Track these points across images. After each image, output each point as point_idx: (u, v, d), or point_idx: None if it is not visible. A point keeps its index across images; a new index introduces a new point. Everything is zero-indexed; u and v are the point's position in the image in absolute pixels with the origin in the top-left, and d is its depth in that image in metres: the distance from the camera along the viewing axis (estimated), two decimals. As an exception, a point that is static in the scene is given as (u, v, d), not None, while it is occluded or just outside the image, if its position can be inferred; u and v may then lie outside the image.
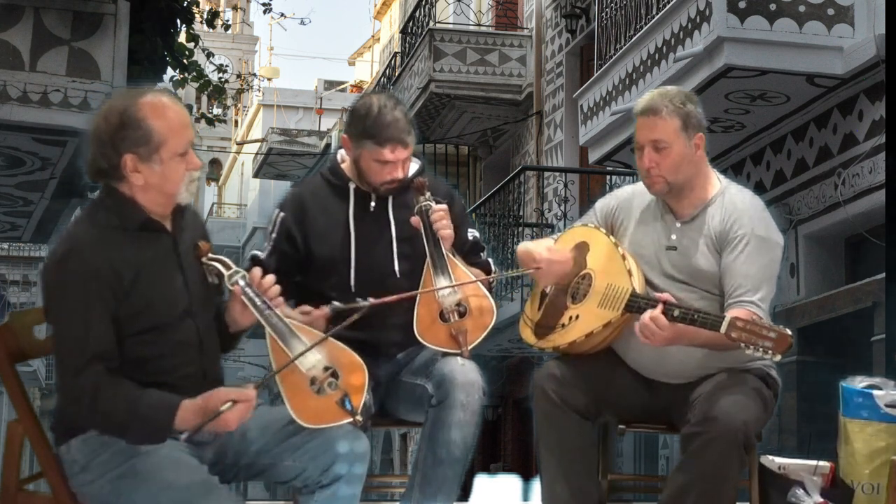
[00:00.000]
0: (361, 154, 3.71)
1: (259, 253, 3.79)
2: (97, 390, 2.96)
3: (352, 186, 3.80)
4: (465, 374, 3.57)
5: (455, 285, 3.63)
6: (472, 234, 3.91)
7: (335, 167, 3.86)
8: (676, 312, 3.45)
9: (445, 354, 3.62)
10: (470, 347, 3.60)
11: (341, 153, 3.87)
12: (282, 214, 3.80)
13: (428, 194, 3.70)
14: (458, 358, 3.60)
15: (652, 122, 3.66)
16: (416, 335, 3.62)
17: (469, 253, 3.85)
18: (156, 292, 3.08)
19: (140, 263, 3.07)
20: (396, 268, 3.75)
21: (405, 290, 3.66)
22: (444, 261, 3.65)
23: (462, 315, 3.62)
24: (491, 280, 3.83)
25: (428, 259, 3.66)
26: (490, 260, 3.94)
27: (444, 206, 3.71)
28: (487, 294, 3.69)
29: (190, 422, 2.96)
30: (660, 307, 3.45)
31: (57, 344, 3.06)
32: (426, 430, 3.59)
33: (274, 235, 3.79)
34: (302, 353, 3.17)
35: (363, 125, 3.68)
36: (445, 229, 3.67)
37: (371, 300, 3.50)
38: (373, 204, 3.78)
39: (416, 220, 3.69)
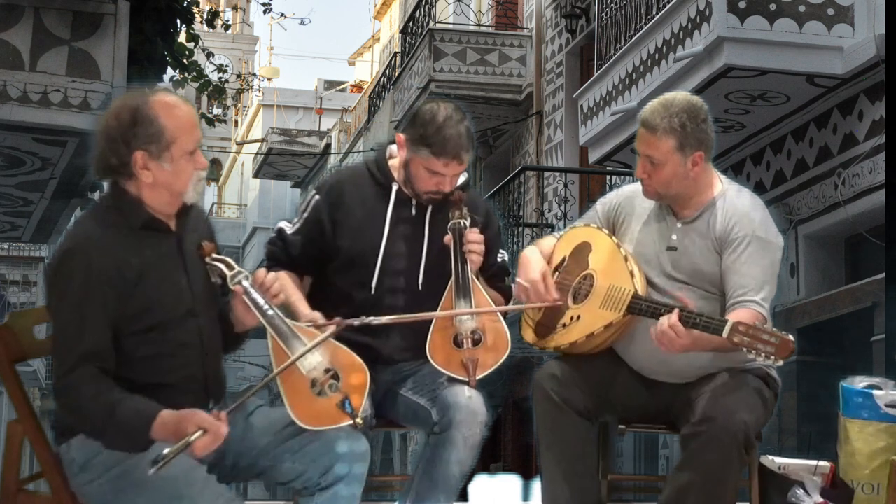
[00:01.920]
0: (413, 158, 3.64)
1: (286, 226, 3.75)
2: (81, 390, 2.96)
3: (395, 187, 3.73)
4: (471, 405, 3.51)
5: (472, 312, 3.56)
6: (501, 256, 3.85)
7: (382, 162, 3.77)
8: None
9: (452, 379, 3.57)
10: (478, 378, 3.54)
11: (391, 149, 3.79)
12: (317, 197, 3.75)
13: (465, 210, 3.65)
14: (465, 388, 3.54)
15: (648, 137, 3.64)
16: (427, 355, 3.57)
17: (493, 276, 3.80)
18: (159, 291, 3.09)
19: (144, 263, 3.07)
20: (420, 279, 3.69)
21: (422, 303, 3.62)
22: (468, 284, 3.59)
23: (476, 343, 3.57)
24: (507, 312, 3.77)
25: (452, 280, 3.61)
26: (514, 286, 3.84)
27: (479, 235, 3.65)
28: (504, 325, 3.64)
29: (164, 435, 2.92)
30: (676, 313, 3.44)
31: (53, 341, 3.06)
32: (426, 453, 3.56)
33: (305, 215, 3.73)
34: (301, 355, 3.17)
35: (423, 131, 3.61)
36: (475, 254, 3.61)
37: (387, 318, 3.51)
38: (413, 210, 3.72)
39: (448, 237, 3.63)
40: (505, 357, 3.60)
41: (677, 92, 3.79)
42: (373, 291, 3.66)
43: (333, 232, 3.70)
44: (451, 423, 3.50)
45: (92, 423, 2.98)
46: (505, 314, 3.72)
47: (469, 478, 3.66)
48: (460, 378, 3.54)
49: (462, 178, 3.73)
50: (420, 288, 3.68)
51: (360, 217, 3.70)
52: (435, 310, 3.60)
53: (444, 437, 3.51)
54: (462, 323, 3.57)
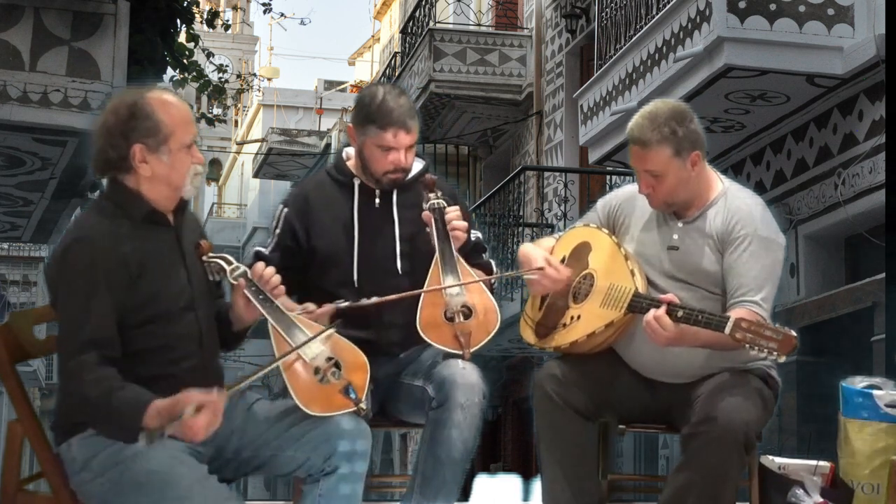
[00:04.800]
0: (365, 141, 3.73)
1: (262, 249, 3.81)
2: (83, 377, 2.98)
3: (356, 182, 3.80)
4: (466, 376, 3.56)
5: (461, 283, 3.62)
6: (475, 234, 3.91)
7: (340, 163, 3.87)
8: (680, 313, 3.45)
9: (447, 355, 3.62)
10: (472, 350, 3.59)
11: (347, 151, 3.88)
12: (285, 210, 3.82)
13: (438, 192, 3.71)
14: (459, 360, 3.58)
15: (642, 153, 3.62)
16: (419, 331, 3.61)
17: (471, 254, 3.85)
18: (161, 283, 3.13)
19: (145, 254, 3.11)
20: (398, 265, 3.75)
21: (406, 288, 3.67)
22: (453, 260, 3.65)
23: (467, 317, 3.61)
24: (493, 281, 3.82)
25: (437, 257, 3.66)
26: (492, 261, 3.94)
27: (457, 208, 3.72)
28: (492, 298, 3.68)
29: (159, 420, 2.93)
30: (664, 307, 3.45)
31: (59, 329, 3.08)
32: (426, 432, 3.59)
33: (278, 231, 3.81)
34: (304, 343, 3.22)
35: (367, 111, 3.72)
36: (459, 231, 3.67)
37: (375, 299, 3.55)
38: (377, 200, 3.79)
39: (427, 215, 3.69)
40: (496, 329, 3.63)
41: (656, 101, 3.73)
42: (356, 286, 3.72)
43: (308, 238, 3.77)
44: (448, 396, 3.54)
45: (89, 410, 3.00)
46: (492, 289, 3.76)
47: (470, 477, 3.67)
48: (454, 352, 3.58)
49: (420, 165, 3.83)
50: (400, 272, 3.74)
51: (328, 218, 3.78)
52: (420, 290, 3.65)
53: (442, 411, 3.54)
54: (452, 298, 3.61)
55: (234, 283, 3.26)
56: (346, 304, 3.56)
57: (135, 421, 2.93)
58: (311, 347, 3.24)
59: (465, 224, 3.70)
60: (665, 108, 3.66)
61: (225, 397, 2.99)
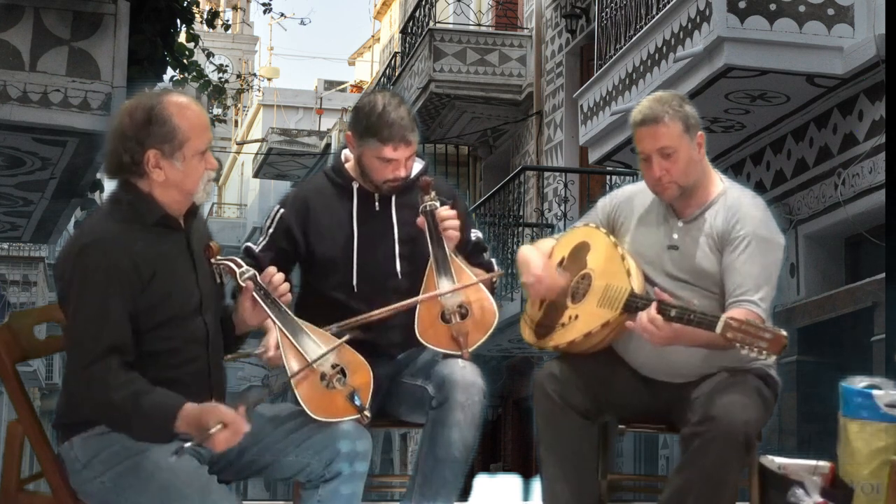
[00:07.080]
0: (364, 152, 3.73)
1: (253, 246, 3.80)
2: (108, 381, 2.97)
3: (355, 186, 3.80)
4: (465, 375, 3.57)
5: (457, 288, 3.62)
6: (475, 234, 3.92)
7: (338, 167, 3.86)
8: (673, 312, 3.45)
9: (446, 356, 3.62)
10: (471, 349, 3.59)
11: (345, 153, 3.87)
12: (282, 211, 3.81)
13: (433, 194, 3.70)
14: (459, 360, 3.59)
15: (655, 130, 3.64)
16: (417, 335, 3.62)
17: (472, 253, 3.85)
18: (172, 287, 3.13)
19: (157, 258, 3.11)
20: (398, 268, 3.75)
21: (406, 291, 3.67)
22: (447, 262, 3.65)
23: (464, 317, 3.62)
24: (493, 279, 3.82)
25: (431, 260, 3.66)
26: (493, 260, 3.94)
27: (452, 210, 3.71)
28: (490, 296, 3.69)
29: (186, 428, 2.96)
30: (654, 306, 3.45)
31: (73, 332, 3.06)
32: (426, 431, 3.59)
33: (271, 231, 3.80)
34: (320, 358, 3.24)
35: (366, 123, 3.70)
36: (451, 230, 3.67)
37: (379, 311, 3.56)
38: (376, 204, 3.79)
39: (421, 220, 3.69)
40: (493, 327, 3.64)
41: (652, 94, 3.79)
42: (355, 290, 3.72)
43: (305, 242, 3.76)
44: (448, 396, 3.55)
45: (119, 415, 2.99)
46: (493, 287, 3.76)
47: (470, 476, 3.68)
48: (453, 353, 3.59)
49: (420, 165, 3.82)
50: (400, 276, 3.74)
51: (327, 222, 3.77)
52: (418, 294, 3.65)
53: (442, 410, 3.55)
54: (447, 299, 3.62)
55: (243, 285, 3.26)
56: (352, 321, 3.53)
57: (167, 424, 2.95)
58: (315, 352, 3.26)
59: (456, 222, 3.68)
60: (668, 93, 3.76)
61: (245, 417, 3.00)
